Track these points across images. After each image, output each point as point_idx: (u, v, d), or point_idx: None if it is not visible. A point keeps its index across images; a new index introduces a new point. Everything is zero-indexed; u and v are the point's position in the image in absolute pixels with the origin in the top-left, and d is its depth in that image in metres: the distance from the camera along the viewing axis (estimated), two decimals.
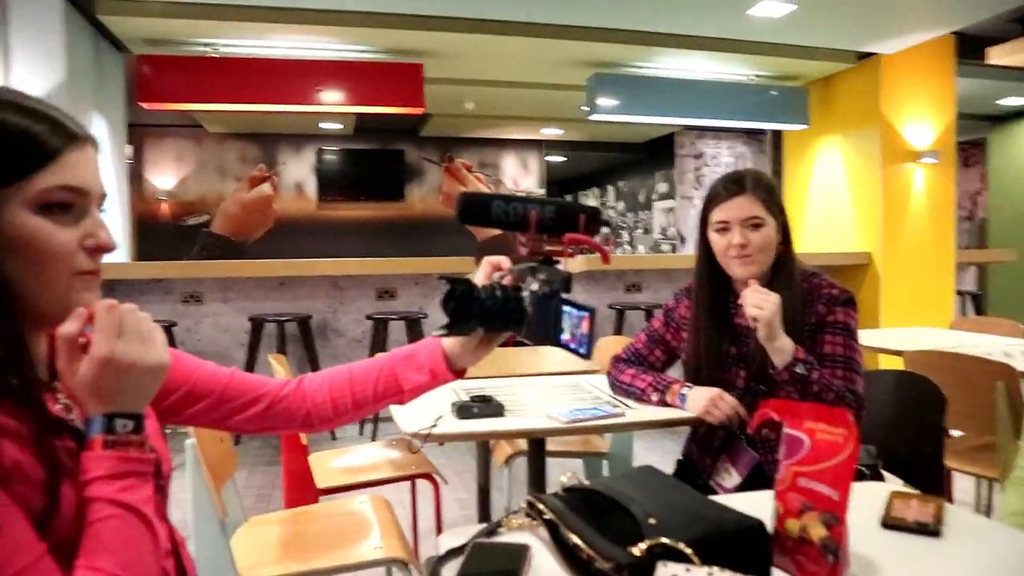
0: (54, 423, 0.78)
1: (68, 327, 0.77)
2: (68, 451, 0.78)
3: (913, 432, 1.92)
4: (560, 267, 0.92)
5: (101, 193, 0.82)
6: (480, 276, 1.00)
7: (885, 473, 1.81)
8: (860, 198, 5.87)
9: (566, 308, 0.80)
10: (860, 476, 1.50)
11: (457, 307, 0.92)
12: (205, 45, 5.16)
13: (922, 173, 5.75)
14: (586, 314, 0.72)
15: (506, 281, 0.97)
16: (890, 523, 1.08)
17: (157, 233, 8.32)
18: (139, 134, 8.18)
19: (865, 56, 5.70)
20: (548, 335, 0.79)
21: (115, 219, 5.15)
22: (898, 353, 2.99)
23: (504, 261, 1.00)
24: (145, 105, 5.14)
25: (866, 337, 3.16)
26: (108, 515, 0.73)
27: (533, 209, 0.90)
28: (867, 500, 1.14)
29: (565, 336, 0.78)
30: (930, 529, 1.04)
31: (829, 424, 0.91)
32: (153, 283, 4.73)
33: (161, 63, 5.10)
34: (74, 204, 0.78)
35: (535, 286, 0.92)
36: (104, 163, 5.03)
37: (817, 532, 0.89)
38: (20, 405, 0.74)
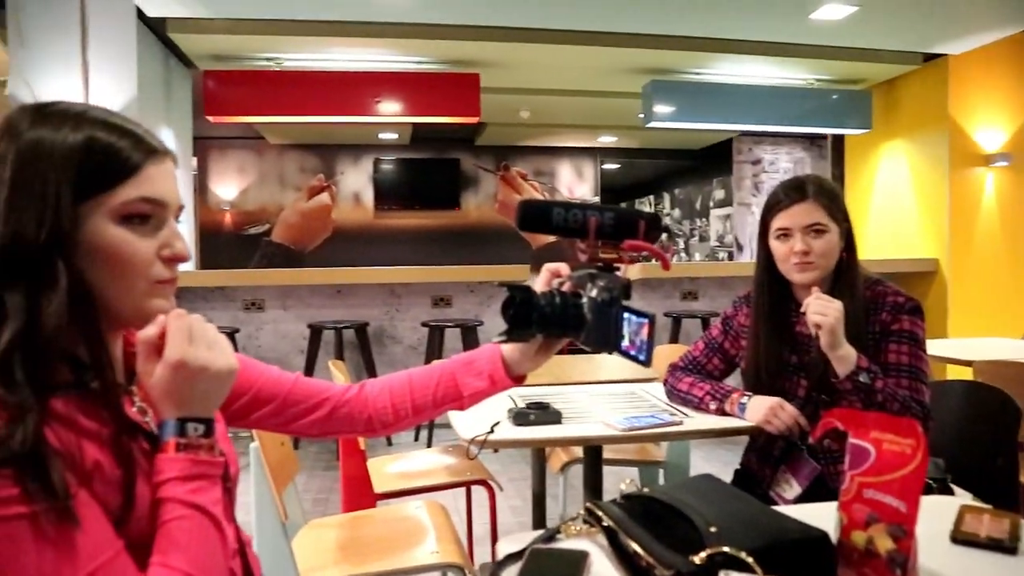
0: (131, 425, 0.82)
1: (148, 331, 0.81)
2: (143, 452, 0.82)
3: (984, 445, 1.85)
4: (619, 274, 0.92)
5: (178, 205, 0.86)
6: (540, 283, 1.00)
7: (954, 487, 1.75)
8: (926, 203, 5.69)
9: (625, 315, 0.79)
10: (928, 489, 1.45)
11: (516, 313, 0.93)
12: (268, 59, 5.32)
13: (993, 177, 5.55)
14: (645, 320, 0.71)
15: (565, 288, 0.97)
16: (960, 538, 1.04)
17: (220, 242, 8.57)
18: (203, 146, 8.45)
19: (932, 57, 5.54)
20: (608, 342, 0.79)
21: (182, 229, 5.32)
22: (968, 363, 2.88)
23: (563, 268, 1.00)
24: (211, 118, 5.32)
25: (934, 347, 3.06)
26: (180, 515, 0.76)
27: (593, 216, 0.91)
28: (936, 514, 1.10)
29: (624, 343, 0.77)
30: (1005, 546, 1.00)
31: (896, 435, 0.88)
32: (216, 291, 4.87)
33: (226, 78, 5.28)
34: (153, 215, 0.81)
35: (594, 292, 0.92)
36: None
37: (884, 544, 0.87)
38: (100, 407, 0.78)
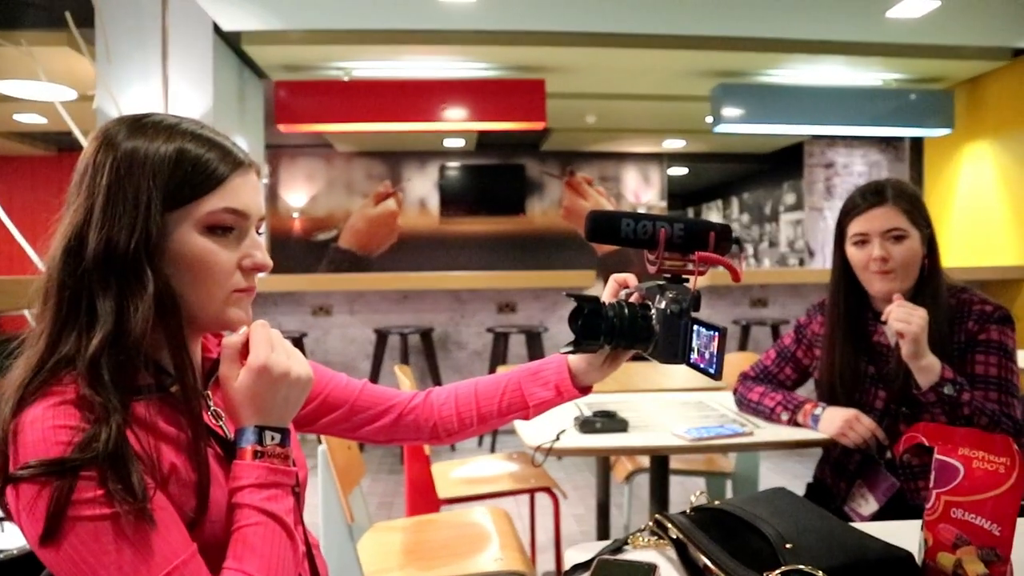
0: (206, 430, 0.84)
1: (233, 338, 0.84)
2: (216, 457, 0.84)
3: None
4: (689, 285, 0.90)
5: (260, 216, 0.87)
6: (607, 293, 0.99)
7: None
8: (1014, 207, 5.41)
9: (695, 327, 0.77)
10: (1022, 511, 1.37)
11: (585, 324, 0.92)
12: (338, 69, 5.43)
13: None
14: (715, 333, 0.69)
15: (633, 299, 0.96)
16: None
17: (290, 248, 8.79)
18: (274, 154, 8.70)
19: (1021, 52, 5.27)
20: (677, 355, 0.77)
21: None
22: None
23: (631, 278, 0.99)
24: (282, 128, 5.46)
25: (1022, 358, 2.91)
26: (255, 522, 0.78)
27: (662, 227, 0.89)
28: None
29: (694, 356, 0.75)
30: None
31: (989, 452, 0.83)
32: (286, 295, 4.99)
33: (297, 88, 5.42)
34: (235, 226, 0.83)
35: (663, 304, 0.90)
36: None
37: (975, 569, 0.82)
38: (178, 412, 0.80)
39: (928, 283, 1.62)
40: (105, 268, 0.77)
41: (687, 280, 0.91)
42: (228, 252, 0.83)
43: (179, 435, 0.79)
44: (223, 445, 0.86)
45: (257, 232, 0.87)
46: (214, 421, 0.87)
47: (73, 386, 0.74)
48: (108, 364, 0.74)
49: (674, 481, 2.16)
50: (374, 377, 4.69)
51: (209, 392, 0.89)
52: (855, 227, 1.64)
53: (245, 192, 0.84)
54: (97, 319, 0.76)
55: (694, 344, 0.86)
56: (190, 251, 0.80)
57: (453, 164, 9.10)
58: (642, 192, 9.46)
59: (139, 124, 0.81)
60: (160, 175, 0.78)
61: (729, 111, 5.52)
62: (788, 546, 0.83)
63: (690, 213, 12.75)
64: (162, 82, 4.17)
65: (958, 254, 5.82)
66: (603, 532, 2.51)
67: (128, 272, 0.77)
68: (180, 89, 4.34)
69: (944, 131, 5.77)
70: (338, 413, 1.07)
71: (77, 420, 0.71)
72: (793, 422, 1.73)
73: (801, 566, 0.78)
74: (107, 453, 0.70)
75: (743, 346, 4.89)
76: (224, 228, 0.82)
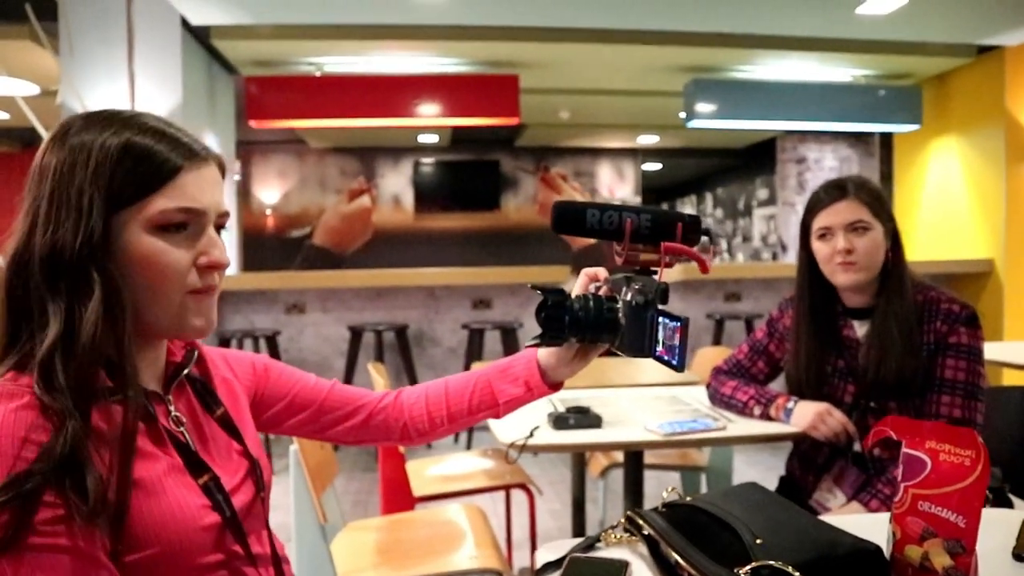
0: (167, 435, 0.82)
1: None
2: (174, 468, 0.81)
3: None
4: (657, 277, 0.89)
5: (221, 212, 0.84)
6: (578, 287, 0.98)
7: (1013, 497, 1.68)
8: (981, 202, 5.50)
9: (660, 319, 0.76)
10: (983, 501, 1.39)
11: (549, 317, 0.90)
12: (309, 64, 5.37)
13: None
14: (678, 324, 0.69)
15: (602, 292, 0.95)
16: (1023, 554, 0.99)
17: (262, 245, 8.70)
18: (246, 151, 8.59)
19: (986, 49, 5.35)
20: (643, 348, 0.76)
21: (225, 233, 5.42)
22: None
23: (601, 272, 0.98)
24: (253, 123, 5.40)
25: (989, 350, 2.95)
26: None
27: (629, 217, 0.88)
28: (996, 527, 1.05)
29: (659, 348, 0.74)
30: None
31: (955, 445, 0.84)
32: (258, 294, 4.93)
33: (268, 84, 5.35)
34: (190, 223, 0.80)
35: (629, 296, 0.89)
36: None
37: (941, 561, 0.82)
38: (117, 407, 0.76)
39: (893, 277, 1.64)
40: (52, 272, 0.75)
41: (655, 272, 0.90)
42: (181, 251, 0.80)
43: (115, 434, 0.75)
44: (183, 452, 0.83)
45: (221, 228, 0.85)
46: (175, 427, 0.85)
47: (29, 390, 0.72)
48: (61, 368, 0.72)
49: (649, 476, 2.16)
50: (349, 375, 4.66)
51: (171, 397, 0.87)
52: (819, 221, 1.66)
53: (199, 187, 0.80)
54: (48, 323, 0.74)
55: (659, 336, 0.85)
56: (139, 252, 0.78)
57: (427, 160, 9.06)
58: (616, 187, 9.49)
59: (93, 118, 0.79)
60: (102, 173, 0.76)
61: (702, 106, 5.55)
62: (759, 542, 0.83)
63: (664, 208, 12.81)
64: (128, 77, 4.10)
65: (926, 247, 5.91)
66: (579, 527, 2.51)
67: (74, 275, 0.75)
68: (148, 85, 4.26)
69: (912, 127, 5.85)
70: (306, 414, 1.06)
71: (28, 428, 0.69)
72: (766, 416, 1.74)
73: (772, 562, 0.78)
74: (63, 459, 0.68)
75: (717, 340, 4.92)
76: (177, 226, 0.79)
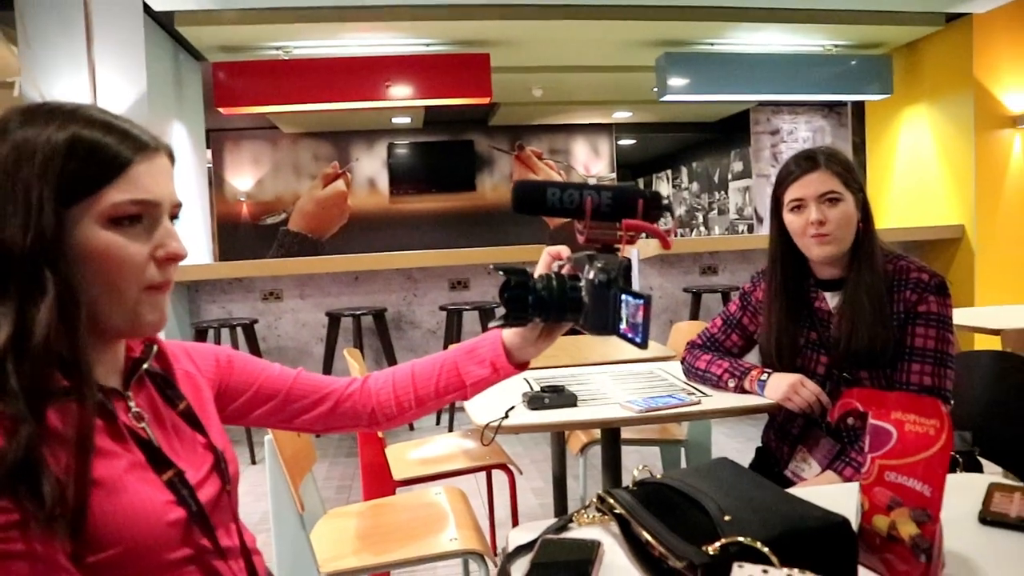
0: (128, 432, 0.80)
1: None
2: (136, 464, 0.80)
3: (1015, 417, 1.80)
4: (619, 254, 0.89)
5: (174, 202, 0.82)
6: (541, 267, 0.97)
7: (983, 461, 1.70)
8: (951, 169, 5.55)
9: (623, 296, 0.76)
10: (954, 464, 1.41)
11: (512, 297, 0.90)
12: (277, 48, 5.29)
13: (1021, 139, 5.39)
14: (641, 302, 0.69)
15: (565, 270, 0.94)
16: (990, 518, 1.00)
17: (238, 233, 8.61)
18: (217, 139, 8.48)
19: (954, 17, 5.38)
20: (607, 326, 0.75)
21: (197, 222, 5.35)
22: (996, 332, 2.82)
23: (564, 250, 0.97)
24: (222, 110, 5.31)
25: (960, 316, 2.99)
26: None
27: (589, 195, 0.87)
28: (963, 493, 1.06)
29: (622, 325, 0.74)
30: None
31: (919, 415, 0.84)
32: (235, 282, 4.88)
33: (236, 69, 5.26)
34: (144, 215, 0.78)
35: (592, 274, 0.89)
36: (186, 169, 5.20)
37: (907, 530, 0.83)
38: (74, 406, 0.74)
39: (864, 247, 1.64)
40: (1, 272, 0.72)
41: (617, 250, 0.89)
42: (138, 244, 0.78)
43: (69, 433, 0.74)
44: (145, 449, 0.82)
45: (173, 219, 0.83)
46: (135, 423, 0.83)
47: None
48: (14, 370, 0.70)
49: (630, 450, 2.17)
50: (328, 361, 4.64)
51: (130, 393, 0.85)
52: (791, 193, 1.66)
53: (152, 178, 0.79)
54: None
55: (623, 314, 0.85)
56: (95, 248, 0.76)
57: (401, 142, 8.99)
58: (592, 164, 9.47)
59: (33, 112, 0.76)
60: (51, 168, 0.73)
61: (675, 80, 5.54)
62: (727, 519, 0.83)
63: (640, 184, 12.82)
64: (88, 66, 4.00)
65: (899, 215, 5.96)
66: (560, 505, 2.53)
67: (25, 275, 0.72)
68: (110, 74, 4.16)
69: (884, 96, 5.88)
70: (272, 404, 1.04)
71: None
72: (740, 388, 1.75)
73: (740, 538, 0.78)
74: (17, 463, 0.67)
75: (694, 315, 4.95)
76: (131, 219, 0.77)
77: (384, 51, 5.41)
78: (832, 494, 1.00)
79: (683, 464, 2.71)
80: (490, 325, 0.97)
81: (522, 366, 1.03)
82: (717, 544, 0.78)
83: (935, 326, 1.58)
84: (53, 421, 0.72)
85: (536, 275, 0.92)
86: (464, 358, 1.05)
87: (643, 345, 0.82)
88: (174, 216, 0.83)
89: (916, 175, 5.89)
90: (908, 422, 0.85)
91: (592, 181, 8.64)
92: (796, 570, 0.71)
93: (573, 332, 0.98)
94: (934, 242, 5.43)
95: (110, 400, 0.81)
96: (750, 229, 8.77)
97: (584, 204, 0.86)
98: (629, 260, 0.85)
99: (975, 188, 5.32)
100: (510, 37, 5.37)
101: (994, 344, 2.73)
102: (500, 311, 0.91)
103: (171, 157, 0.84)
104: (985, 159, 5.34)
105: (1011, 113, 5.34)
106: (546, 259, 0.97)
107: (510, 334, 1.01)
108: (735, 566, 0.74)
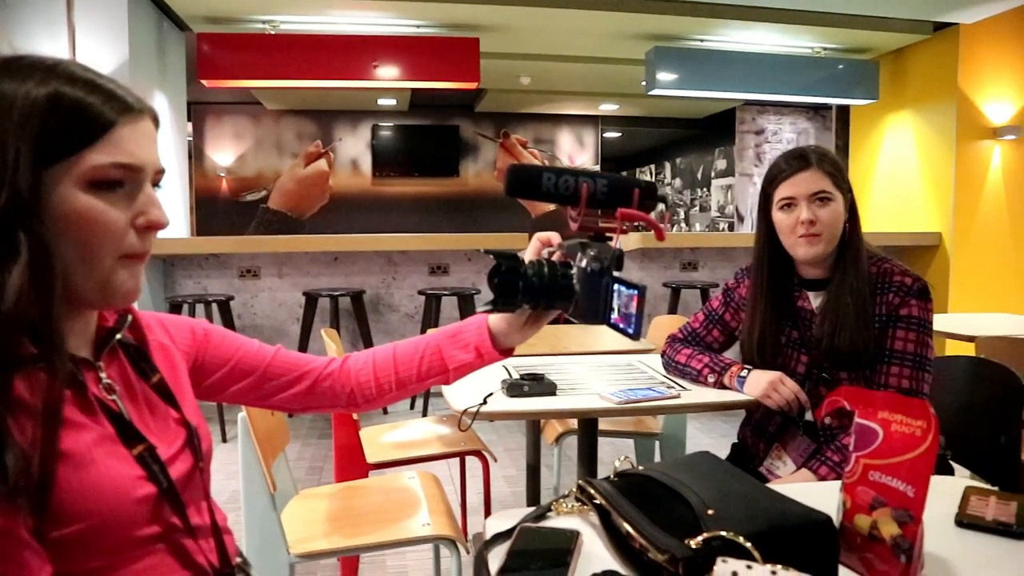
0: (99, 404, 0.77)
1: None
2: (105, 437, 0.77)
3: (987, 423, 1.82)
4: (612, 244, 0.87)
5: (157, 168, 0.79)
6: (530, 252, 0.95)
7: (955, 465, 1.72)
8: (931, 176, 5.61)
9: (615, 286, 0.74)
10: None
11: (502, 282, 0.88)
12: (264, 22, 5.20)
13: (1000, 150, 5.46)
14: (635, 292, 0.68)
15: (555, 257, 0.92)
16: (966, 521, 1.00)
17: (216, 209, 8.49)
18: (199, 111, 8.34)
19: (942, 27, 5.42)
20: (597, 314, 0.74)
21: (175, 195, 5.26)
22: (970, 339, 2.85)
23: (555, 237, 0.95)
24: (205, 82, 5.22)
25: (935, 322, 3.02)
26: None
27: (585, 182, 0.85)
28: (939, 495, 1.07)
29: (614, 315, 0.73)
30: (1014, 531, 0.96)
31: (906, 415, 0.84)
32: (212, 258, 4.81)
33: (221, 41, 5.17)
34: (126, 181, 0.75)
35: (584, 262, 0.87)
36: (165, 140, 5.11)
37: (889, 530, 0.83)
38: (43, 375, 0.71)
39: (850, 248, 1.64)
40: None
41: (610, 238, 0.88)
42: (118, 210, 0.75)
43: (36, 403, 0.71)
44: (115, 422, 0.79)
45: (156, 186, 0.80)
46: (106, 395, 0.80)
47: None
48: None
49: (604, 442, 2.17)
50: (304, 341, 4.59)
51: (102, 363, 0.82)
52: (782, 192, 1.65)
53: (136, 142, 0.75)
54: None
55: (614, 304, 0.83)
56: (74, 211, 0.72)
57: (386, 124, 8.91)
58: (576, 154, 9.46)
59: (10, 66, 0.72)
60: (30, 124, 0.69)
61: (663, 75, 5.53)
62: (710, 512, 0.82)
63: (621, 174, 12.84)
64: (68, 30, 3.90)
65: (879, 219, 6.02)
66: (533, 494, 2.52)
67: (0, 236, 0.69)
68: (90, 40, 4.07)
69: (869, 101, 5.92)
70: (248, 381, 1.02)
71: None
72: (720, 384, 1.75)
73: (723, 532, 0.77)
74: None
75: (673, 309, 4.96)
76: (112, 183, 0.74)
77: (373, 31, 5.34)
78: (813, 491, 1.00)
79: (657, 457, 2.72)
80: (479, 309, 0.95)
81: (507, 352, 1.01)
82: (700, 538, 0.78)
83: (916, 330, 1.59)
84: (20, 390, 0.69)
85: (526, 260, 0.90)
86: (448, 342, 1.03)
87: (636, 336, 0.81)
88: (156, 183, 0.80)
89: (897, 181, 5.95)
90: (895, 422, 0.85)
91: None
92: (780, 566, 0.70)
93: (556, 322, 0.97)
94: (912, 248, 5.48)
95: (80, 370, 0.78)
96: (731, 227, 8.82)
97: (579, 191, 0.84)
98: (622, 250, 0.84)
99: (954, 197, 5.38)
100: (500, 23, 5.32)
101: (968, 350, 2.75)
102: (486, 295, 0.89)
103: (156, 121, 0.80)
104: (965, 168, 5.40)
105: (992, 124, 5.41)
106: (536, 245, 0.96)
107: (496, 320, 0.99)
108: (719, 560, 0.73)
